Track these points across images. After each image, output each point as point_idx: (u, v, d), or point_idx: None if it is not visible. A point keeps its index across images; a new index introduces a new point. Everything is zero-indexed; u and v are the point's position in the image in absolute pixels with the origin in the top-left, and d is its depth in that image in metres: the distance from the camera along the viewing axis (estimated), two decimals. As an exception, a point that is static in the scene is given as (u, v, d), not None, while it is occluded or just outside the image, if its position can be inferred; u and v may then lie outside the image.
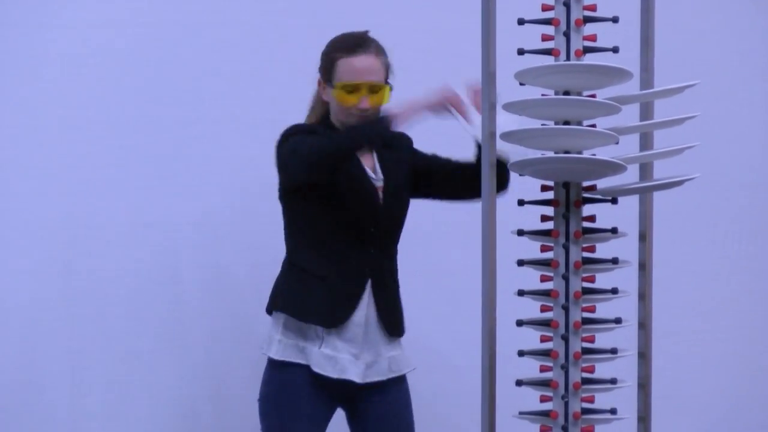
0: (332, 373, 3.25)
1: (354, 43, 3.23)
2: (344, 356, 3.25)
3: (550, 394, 2.97)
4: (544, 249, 2.98)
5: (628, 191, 2.99)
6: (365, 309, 3.27)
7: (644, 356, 3.09)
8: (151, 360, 4.09)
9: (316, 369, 3.24)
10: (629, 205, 3.11)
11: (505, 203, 3.02)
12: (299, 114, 3.41)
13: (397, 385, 3.37)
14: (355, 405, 3.35)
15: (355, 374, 3.27)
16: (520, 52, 2.95)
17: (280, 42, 4.17)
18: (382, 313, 3.29)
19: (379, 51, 3.25)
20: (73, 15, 4.05)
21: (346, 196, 3.23)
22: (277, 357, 3.27)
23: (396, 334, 3.34)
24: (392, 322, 3.33)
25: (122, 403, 4.06)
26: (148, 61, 4.09)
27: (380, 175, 3.31)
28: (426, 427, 4.21)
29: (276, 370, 3.29)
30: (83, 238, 4.05)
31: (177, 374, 4.11)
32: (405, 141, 3.41)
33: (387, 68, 3.28)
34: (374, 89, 3.21)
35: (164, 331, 4.08)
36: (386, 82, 3.26)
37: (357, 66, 3.19)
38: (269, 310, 3.35)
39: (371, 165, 3.32)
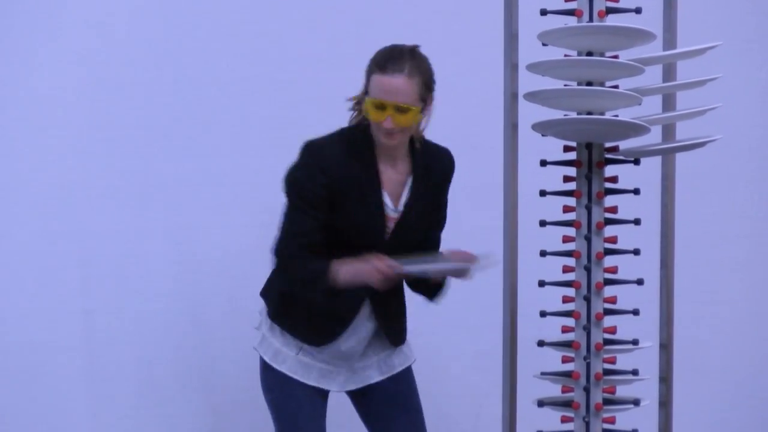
0: (308, 380, 3.26)
1: (388, 60, 3.09)
2: (322, 366, 3.26)
3: (572, 355, 2.99)
4: (566, 210, 2.99)
5: (650, 152, 2.98)
6: (358, 331, 3.24)
7: (666, 316, 3.09)
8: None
9: (289, 374, 3.25)
10: (651, 166, 3.10)
11: (528, 164, 3.02)
12: (321, 125, 3.28)
13: (403, 373, 3.35)
14: (361, 392, 3.34)
15: (334, 384, 3.28)
16: (543, 12, 2.94)
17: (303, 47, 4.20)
18: (384, 328, 3.27)
19: (414, 72, 3.09)
20: (76, 16, 4.06)
21: (351, 228, 3.16)
22: (263, 355, 3.29)
23: (399, 343, 3.34)
24: (396, 333, 3.31)
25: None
26: (162, 68, 4.10)
27: (401, 207, 3.20)
28: (444, 389, 4.25)
29: (264, 366, 3.30)
30: (100, 233, 4.09)
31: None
32: (445, 165, 3.28)
33: (422, 89, 3.11)
34: (401, 110, 3.07)
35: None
36: (421, 102, 3.12)
37: (385, 85, 3.06)
38: (263, 294, 3.35)
39: (397, 192, 3.21)
